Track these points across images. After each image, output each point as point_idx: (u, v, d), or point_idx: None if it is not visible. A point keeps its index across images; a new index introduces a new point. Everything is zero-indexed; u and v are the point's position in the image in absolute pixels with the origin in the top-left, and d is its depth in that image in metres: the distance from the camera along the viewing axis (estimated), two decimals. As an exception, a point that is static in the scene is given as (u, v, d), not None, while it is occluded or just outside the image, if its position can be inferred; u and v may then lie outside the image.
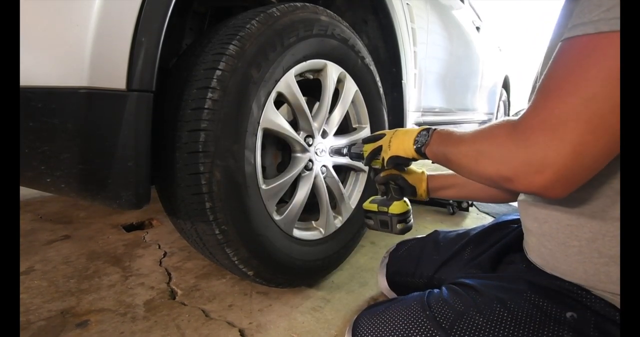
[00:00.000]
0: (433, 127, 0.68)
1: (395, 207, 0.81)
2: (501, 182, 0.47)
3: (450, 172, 0.86)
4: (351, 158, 0.89)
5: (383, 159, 0.75)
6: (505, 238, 0.75)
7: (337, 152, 0.93)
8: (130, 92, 0.55)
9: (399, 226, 0.81)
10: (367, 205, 0.86)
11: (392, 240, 0.95)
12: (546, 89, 0.43)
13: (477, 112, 2.57)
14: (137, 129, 0.57)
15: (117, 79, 0.54)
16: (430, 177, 0.87)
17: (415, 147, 0.67)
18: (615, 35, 0.37)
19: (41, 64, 0.53)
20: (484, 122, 2.80)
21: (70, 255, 1.16)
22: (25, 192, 1.81)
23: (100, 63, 0.53)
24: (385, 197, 0.84)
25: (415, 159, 0.71)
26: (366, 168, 1.13)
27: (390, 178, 0.81)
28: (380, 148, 0.76)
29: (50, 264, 1.09)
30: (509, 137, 0.45)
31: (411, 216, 0.83)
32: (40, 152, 0.55)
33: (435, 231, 0.93)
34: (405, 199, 0.83)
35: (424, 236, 0.93)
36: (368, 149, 0.80)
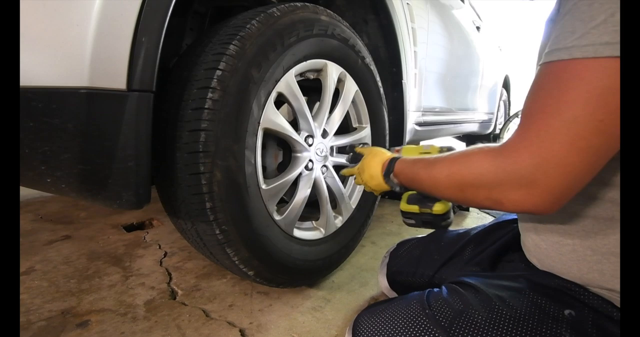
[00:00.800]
0: (395, 157, 0.72)
1: (439, 208, 0.81)
2: (492, 205, 0.48)
3: None
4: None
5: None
6: (505, 237, 0.76)
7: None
8: (130, 92, 0.55)
9: (444, 224, 0.82)
10: (406, 207, 0.85)
11: (392, 240, 0.95)
12: (529, 112, 0.44)
13: (477, 112, 2.57)
14: (137, 129, 0.57)
15: (117, 79, 0.54)
16: None
17: (384, 177, 0.71)
18: (588, 61, 0.38)
19: (41, 64, 0.53)
20: (484, 121, 2.80)
21: (71, 255, 1.16)
22: (25, 192, 1.81)
23: (101, 63, 0.53)
24: (421, 197, 0.84)
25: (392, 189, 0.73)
26: None
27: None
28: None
29: (50, 264, 1.09)
30: (496, 161, 0.46)
31: (452, 211, 0.84)
32: (40, 152, 0.55)
33: (436, 231, 0.93)
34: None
35: (425, 235, 0.93)
36: (346, 174, 0.87)
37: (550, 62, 0.43)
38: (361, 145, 0.97)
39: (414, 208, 0.83)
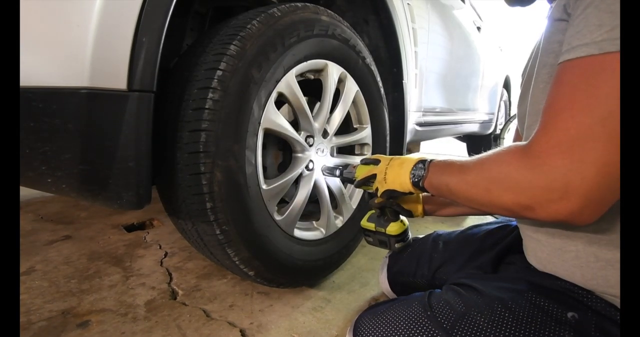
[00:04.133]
0: (429, 158, 0.65)
1: (393, 228, 0.81)
2: (521, 211, 0.45)
3: None
4: (342, 181, 0.89)
5: (377, 189, 0.72)
6: (506, 239, 0.75)
7: (330, 172, 0.91)
8: (131, 93, 0.55)
9: (397, 245, 0.83)
10: (364, 223, 0.87)
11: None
12: (554, 109, 0.42)
13: (478, 112, 2.56)
14: (138, 129, 0.57)
15: (118, 79, 0.54)
16: (425, 198, 0.85)
17: (412, 181, 0.63)
18: (618, 55, 0.36)
19: (42, 65, 0.53)
20: (485, 122, 2.79)
21: (71, 255, 1.16)
22: (26, 192, 1.81)
23: (101, 63, 0.53)
24: (382, 216, 0.84)
25: (412, 193, 0.67)
26: None
27: (385, 204, 0.79)
28: (374, 176, 0.73)
29: (51, 264, 1.09)
30: (522, 162, 0.43)
31: (409, 234, 0.84)
32: (41, 152, 0.55)
33: (436, 232, 0.93)
34: (402, 218, 0.83)
35: (425, 236, 0.92)
36: (361, 174, 0.77)
37: (576, 59, 0.40)
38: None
39: (371, 226, 0.85)
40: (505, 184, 0.45)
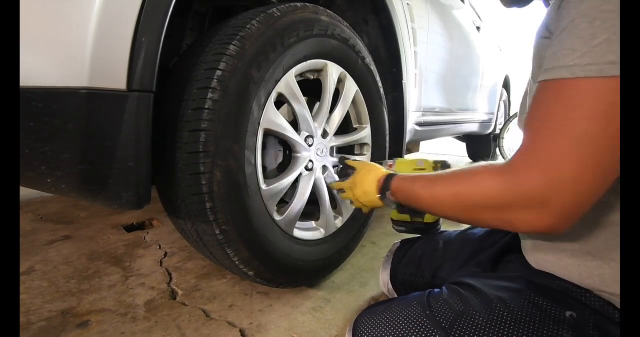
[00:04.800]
0: (391, 174, 0.70)
1: (430, 217, 0.85)
2: (501, 226, 0.47)
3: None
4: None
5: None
6: (506, 238, 0.75)
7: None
8: (130, 93, 0.55)
9: (434, 230, 0.88)
10: (397, 216, 0.88)
11: (393, 240, 0.95)
12: (533, 128, 0.44)
13: (477, 112, 2.56)
14: (137, 129, 0.57)
15: (117, 79, 0.54)
16: None
17: (379, 195, 0.69)
18: (593, 80, 0.38)
19: (42, 65, 0.53)
20: (484, 122, 2.80)
21: (71, 255, 1.16)
22: (25, 192, 1.81)
23: (101, 63, 0.53)
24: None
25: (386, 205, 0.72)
26: None
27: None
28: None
29: (50, 264, 1.09)
30: (502, 181, 0.45)
31: (440, 226, 0.89)
32: (41, 152, 0.55)
33: (441, 232, 0.93)
34: None
35: (426, 235, 0.92)
36: (335, 187, 0.85)
37: (551, 80, 0.42)
38: (351, 158, 0.95)
39: (405, 217, 0.87)
40: (485, 203, 0.47)
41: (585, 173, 0.39)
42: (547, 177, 0.41)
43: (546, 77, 0.43)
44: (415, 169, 0.86)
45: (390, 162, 0.91)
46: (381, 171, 0.74)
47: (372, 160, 1.15)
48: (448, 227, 0.94)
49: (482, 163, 0.51)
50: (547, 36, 0.49)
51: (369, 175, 0.74)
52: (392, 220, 0.90)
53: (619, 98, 0.37)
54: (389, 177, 0.69)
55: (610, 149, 0.38)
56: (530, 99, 0.64)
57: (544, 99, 0.43)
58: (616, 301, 0.49)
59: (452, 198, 0.52)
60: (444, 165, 0.84)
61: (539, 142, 0.42)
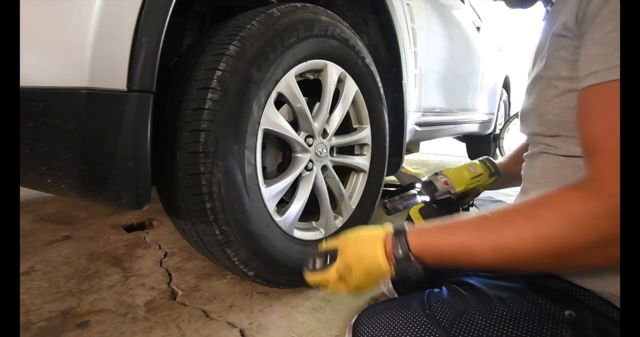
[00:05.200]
0: (400, 229, 0.50)
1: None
2: (605, 264, 0.41)
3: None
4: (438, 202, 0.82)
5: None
6: None
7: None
8: (130, 93, 0.55)
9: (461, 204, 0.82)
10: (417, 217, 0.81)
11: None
12: (617, 138, 0.38)
13: (477, 112, 2.56)
14: (137, 129, 0.57)
15: (117, 79, 0.54)
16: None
17: (394, 264, 0.47)
18: None
19: (42, 65, 0.53)
20: (484, 122, 2.80)
21: (71, 255, 1.16)
22: (25, 192, 1.81)
23: (101, 63, 0.53)
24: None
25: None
26: (367, 168, 1.13)
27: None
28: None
29: (50, 264, 1.09)
30: (598, 204, 0.37)
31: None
32: (41, 152, 0.55)
33: None
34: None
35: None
36: (313, 283, 0.55)
37: (604, 83, 0.40)
38: (323, 239, 0.68)
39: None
40: (590, 242, 0.37)
41: None
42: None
43: (596, 81, 0.41)
44: (472, 178, 0.78)
45: (441, 177, 0.77)
46: (376, 230, 0.53)
47: (372, 159, 1.15)
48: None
49: (561, 188, 0.41)
50: (565, 34, 0.48)
51: (364, 242, 0.51)
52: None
53: None
54: (398, 235, 0.48)
55: None
56: (527, 93, 0.63)
57: (604, 107, 0.40)
58: (616, 301, 0.49)
59: (539, 246, 0.39)
60: (491, 162, 0.82)
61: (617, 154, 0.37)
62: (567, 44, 0.49)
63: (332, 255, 0.52)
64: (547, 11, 0.62)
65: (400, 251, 0.46)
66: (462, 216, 0.47)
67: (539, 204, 0.41)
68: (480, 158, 0.84)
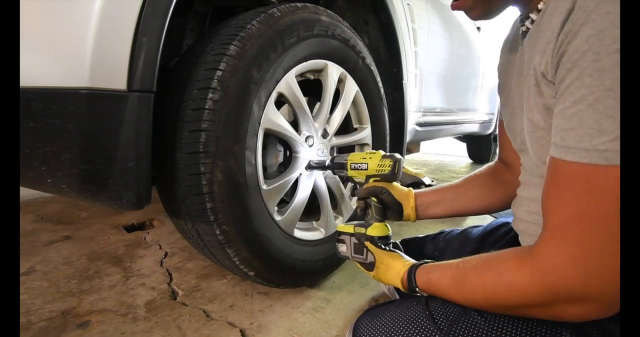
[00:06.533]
0: (414, 266, 0.61)
1: (375, 229, 0.71)
2: (552, 319, 0.46)
3: (438, 185, 0.83)
4: (332, 169, 0.84)
5: (365, 178, 0.75)
6: (505, 238, 0.75)
7: (318, 163, 0.89)
8: (131, 93, 0.55)
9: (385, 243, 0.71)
10: (342, 226, 0.77)
11: (393, 239, 0.95)
12: (561, 218, 0.40)
13: (478, 112, 2.56)
14: (137, 129, 0.57)
15: (117, 79, 0.54)
16: (417, 194, 0.79)
17: (408, 292, 0.61)
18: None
19: (42, 65, 0.53)
20: (485, 122, 2.79)
21: (71, 255, 1.16)
22: (26, 192, 1.81)
23: (101, 63, 0.53)
24: (364, 219, 0.76)
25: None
26: None
27: (373, 192, 0.74)
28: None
29: (51, 264, 1.09)
30: (535, 279, 0.41)
31: (391, 244, 0.72)
32: (41, 152, 0.55)
33: (441, 231, 0.93)
34: (387, 224, 0.74)
35: (425, 235, 0.92)
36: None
37: (576, 163, 0.37)
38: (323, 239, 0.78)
39: (349, 228, 0.76)
40: (526, 304, 0.44)
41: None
42: (585, 274, 0.37)
43: (567, 158, 0.38)
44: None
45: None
46: (399, 265, 0.64)
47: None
48: (449, 227, 0.93)
49: (505, 250, 0.48)
50: (540, 83, 0.45)
51: (389, 271, 0.66)
52: (337, 233, 0.79)
53: None
54: (411, 274, 0.60)
55: None
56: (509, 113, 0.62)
57: (568, 184, 0.39)
58: None
59: (488, 300, 0.48)
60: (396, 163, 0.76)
61: (570, 234, 0.38)
62: (542, 91, 0.45)
63: (369, 260, 0.71)
64: (523, 28, 0.53)
65: (410, 285, 0.60)
66: (454, 263, 0.54)
67: (489, 265, 0.48)
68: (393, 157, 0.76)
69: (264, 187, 0.80)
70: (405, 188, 0.80)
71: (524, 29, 0.53)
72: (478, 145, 3.54)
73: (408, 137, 1.46)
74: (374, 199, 0.75)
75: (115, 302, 0.89)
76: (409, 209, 0.78)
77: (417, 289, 0.59)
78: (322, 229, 0.99)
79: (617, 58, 0.33)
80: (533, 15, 0.49)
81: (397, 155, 0.75)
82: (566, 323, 0.48)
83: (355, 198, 1.11)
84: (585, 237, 0.37)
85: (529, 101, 0.49)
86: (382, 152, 0.77)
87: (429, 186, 1.81)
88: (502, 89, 0.68)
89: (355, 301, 0.92)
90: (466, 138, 3.54)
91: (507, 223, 0.80)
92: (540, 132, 0.48)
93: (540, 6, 0.47)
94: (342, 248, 0.76)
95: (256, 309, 0.87)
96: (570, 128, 0.37)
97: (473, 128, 2.59)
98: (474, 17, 0.57)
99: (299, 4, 0.85)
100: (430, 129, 1.80)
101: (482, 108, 2.66)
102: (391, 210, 0.78)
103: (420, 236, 0.94)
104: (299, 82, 0.86)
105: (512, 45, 0.63)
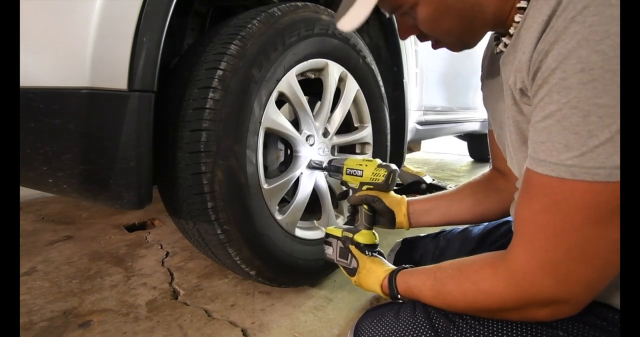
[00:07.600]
0: (394, 272, 0.62)
1: (362, 236, 0.71)
2: (528, 321, 0.48)
3: (431, 194, 0.82)
4: (328, 171, 0.84)
5: (359, 184, 0.74)
6: (506, 237, 0.75)
7: (318, 164, 0.88)
8: (131, 93, 0.55)
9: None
10: (331, 229, 0.77)
11: (393, 239, 0.95)
12: (529, 226, 0.42)
13: (479, 111, 2.56)
14: (138, 129, 0.57)
15: (118, 79, 0.54)
16: (410, 202, 0.78)
17: (387, 298, 0.62)
18: (598, 185, 0.35)
19: (42, 65, 0.53)
20: (485, 120, 2.79)
21: (73, 255, 1.16)
22: (27, 192, 1.81)
23: (102, 63, 0.53)
24: (354, 224, 0.76)
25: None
26: None
27: (365, 200, 0.74)
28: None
29: (52, 264, 1.09)
30: (508, 284, 0.43)
31: (377, 252, 0.72)
32: (42, 152, 0.55)
33: (442, 230, 0.93)
34: (374, 231, 0.75)
35: (426, 234, 0.92)
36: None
37: (545, 176, 0.39)
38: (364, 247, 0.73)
39: (337, 231, 0.75)
40: (502, 308, 0.46)
41: (594, 272, 0.38)
42: (554, 280, 0.40)
43: (538, 170, 0.40)
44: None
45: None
46: (380, 270, 0.64)
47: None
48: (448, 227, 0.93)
49: (481, 255, 0.49)
50: (517, 100, 0.46)
51: (369, 276, 0.66)
52: (325, 234, 0.78)
53: (619, 201, 0.35)
54: (392, 280, 0.61)
55: (614, 248, 0.37)
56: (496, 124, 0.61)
57: (537, 195, 0.40)
58: (613, 301, 0.48)
59: (468, 305, 0.49)
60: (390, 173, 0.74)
61: (538, 242, 0.40)
62: (527, 110, 0.45)
63: (352, 266, 0.71)
64: (497, 50, 0.53)
65: (391, 292, 0.60)
66: (432, 269, 0.55)
67: (466, 271, 0.49)
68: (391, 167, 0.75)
69: (265, 186, 0.80)
70: (398, 195, 0.79)
71: (497, 50, 0.53)
72: (479, 144, 3.54)
73: (409, 136, 1.45)
74: (365, 206, 0.75)
75: (116, 302, 0.89)
76: (401, 217, 0.77)
77: (398, 296, 0.59)
78: (323, 228, 0.99)
79: (582, 77, 0.34)
80: (506, 40, 0.50)
81: (393, 166, 0.75)
82: (561, 322, 0.48)
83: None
84: (550, 245, 0.39)
85: (508, 121, 0.50)
86: (378, 161, 0.76)
87: (430, 184, 1.80)
88: (488, 101, 0.68)
89: (356, 300, 0.93)
90: (467, 137, 3.54)
91: (508, 222, 0.80)
92: (525, 152, 0.48)
93: (511, 31, 0.48)
94: (329, 251, 0.77)
95: (257, 309, 0.87)
96: (541, 141, 0.39)
97: (474, 127, 2.59)
98: (457, 50, 0.57)
99: (299, 3, 0.85)
100: (431, 128, 1.80)
101: (482, 107, 2.65)
102: (384, 217, 0.77)
103: (422, 235, 0.94)
104: (299, 81, 0.86)
105: (491, 60, 0.63)
